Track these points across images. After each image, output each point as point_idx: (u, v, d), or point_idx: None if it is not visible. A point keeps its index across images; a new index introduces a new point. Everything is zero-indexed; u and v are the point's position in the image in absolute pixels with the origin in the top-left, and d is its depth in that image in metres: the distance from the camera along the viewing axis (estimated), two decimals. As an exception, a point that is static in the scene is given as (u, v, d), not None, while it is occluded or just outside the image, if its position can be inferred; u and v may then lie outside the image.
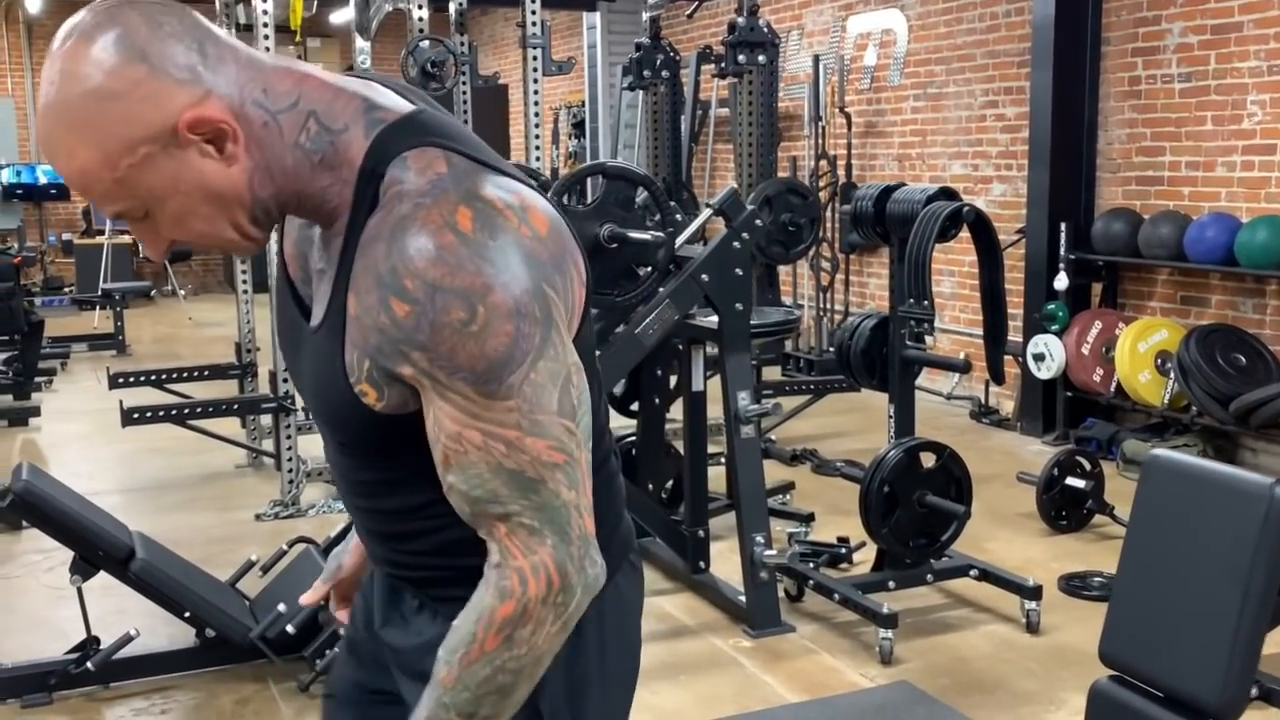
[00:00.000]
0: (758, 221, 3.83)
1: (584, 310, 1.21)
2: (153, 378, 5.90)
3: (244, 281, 5.65)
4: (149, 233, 1.16)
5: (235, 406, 5.54)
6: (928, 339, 3.81)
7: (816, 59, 7.98)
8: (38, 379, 7.48)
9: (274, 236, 1.30)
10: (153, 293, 11.80)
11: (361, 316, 1.12)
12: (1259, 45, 5.48)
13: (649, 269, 3.64)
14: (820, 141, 8.00)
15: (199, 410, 5.25)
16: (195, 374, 6.04)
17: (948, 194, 3.76)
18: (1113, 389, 6.00)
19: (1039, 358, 6.15)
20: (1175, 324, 5.88)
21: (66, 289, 12.12)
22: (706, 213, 3.84)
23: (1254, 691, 2.55)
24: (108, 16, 1.08)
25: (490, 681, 1.15)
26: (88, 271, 11.51)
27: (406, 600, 1.38)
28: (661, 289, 3.73)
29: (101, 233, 11.91)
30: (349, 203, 1.15)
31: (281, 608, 3.45)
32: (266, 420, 5.96)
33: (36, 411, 6.93)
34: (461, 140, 1.17)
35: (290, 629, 3.44)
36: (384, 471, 1.27)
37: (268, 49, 5.03)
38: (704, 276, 3.74)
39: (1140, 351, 5.83)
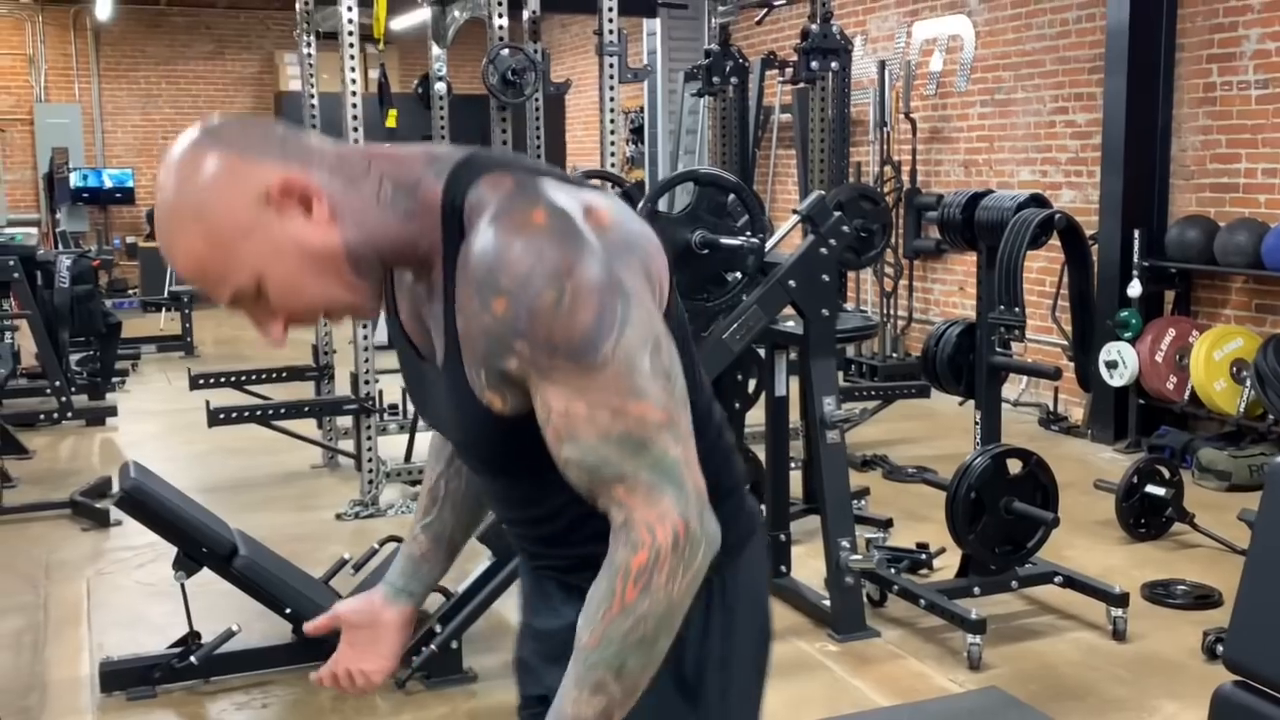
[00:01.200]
0: (845, 228, 3.85)
1: (670, 291, 1.31)
2: (232, 379, 6.01)
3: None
4: (264, 311, 1.27)
5: (317, 408, 5.63)
6: (1014, 345, 3.81)
7: (882, 64, 7.99)
8: (112, 380, 7.63)
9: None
10: (215, 295, 11.98)
11: (469, 328, 1.23)
12: (1341, 51, 5.44)
13: (738, 274, 3.68)
14: (885, 147, 8.00)
15: (282, 411, 5.35)
16: (273, 376, 6.14)
17: (1038, 201, 3.77)
18: (1186, 397, 5.97)
19: (1111, 365, 6.12)
20: (1251, 332, 5.84)
21: (130, 291, 12.33)
22: (795, 219, 3.87)
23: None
24: (202, 131, 1.24)
25: (633, 633, 1.20)
26: (151, 274, 11.71)
27: (553, 589, 1.48)
28: (747, 295, 3.77)
29: (166, 236, 12.10)
30: (440, 241, 1.26)
31: (378, 606, 3.51)
32: (342, 421, 6.05)
33: (114, 411, 7.07)
34: (519, 164, 1.29)
35: (387, 627, 3.51)
36: (528, 486, 1.36)
37: (352, 55, 5.12)
38: (791, 282, 3.77)
39: (1216, 359, 5.80)
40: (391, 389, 6.26)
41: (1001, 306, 3.69)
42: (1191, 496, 4.90)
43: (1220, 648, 3.61)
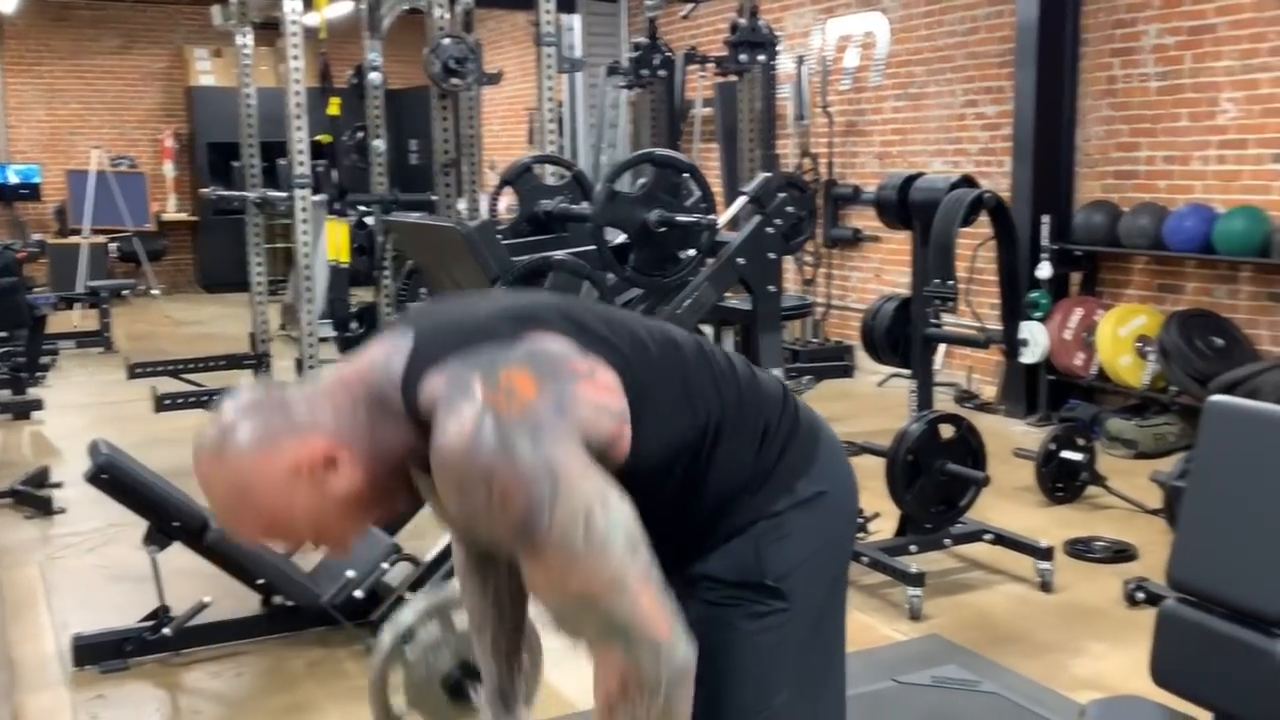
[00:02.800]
0: (789, 208, 4.05)
1: (644, 367, 1.54)
2: (171, 368, 6.01)
3: (259, 276, 5.80)
4: (329, 544, 1.51)
5: (263, 393, 5.66)
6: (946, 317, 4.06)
7: (799, 60, 8.25)
8: (35, 374, 7.53)
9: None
10: (125, 292, 11.80)
11: (454, 519, 1.47)
12: (1233, 45, 5.82)
13: (690, 252, 3.85)
14: (803, 140, 8.26)
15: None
16: (211, 364, 6.16)
17: (968, 182, 4.02)
18: (1093, 372, 6.32)
19: (1023, 343, 6.44)
20: (1153, 309, 6.21)
21: (38, 288, 12.07)
22: (743, 199, 4.06)
23: None
24: (221, 432, 1.43)
25: None
26: (61, 271, 11.49)
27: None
28: (697, 275, 3.94)
29: (77, 232, 11.89)
30: (419, 446, 1.44)
31: (350, 574, 3.63)
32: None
33: (40, 405, 6.99)
34: (455, 337, 1.47)
35: (359, 594, 3.62)
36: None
37: (295, 45, 5.19)
38: (740, 260, 3.96)
39: (1121, 336, 6.15)
40: (331, 376, 6.33)
41: (936, 280, 3.92)
42: (1101, 464, 5.22)
43: (1140, 594, 3.92)
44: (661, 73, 6.98)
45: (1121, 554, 4.39)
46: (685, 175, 3.79)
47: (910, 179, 4.15)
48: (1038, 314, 6.43)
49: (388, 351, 1.48)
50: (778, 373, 4.07)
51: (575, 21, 10.59)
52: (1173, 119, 6.16)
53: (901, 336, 4.23)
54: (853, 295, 8.38)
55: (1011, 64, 6.79)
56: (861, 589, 4.09)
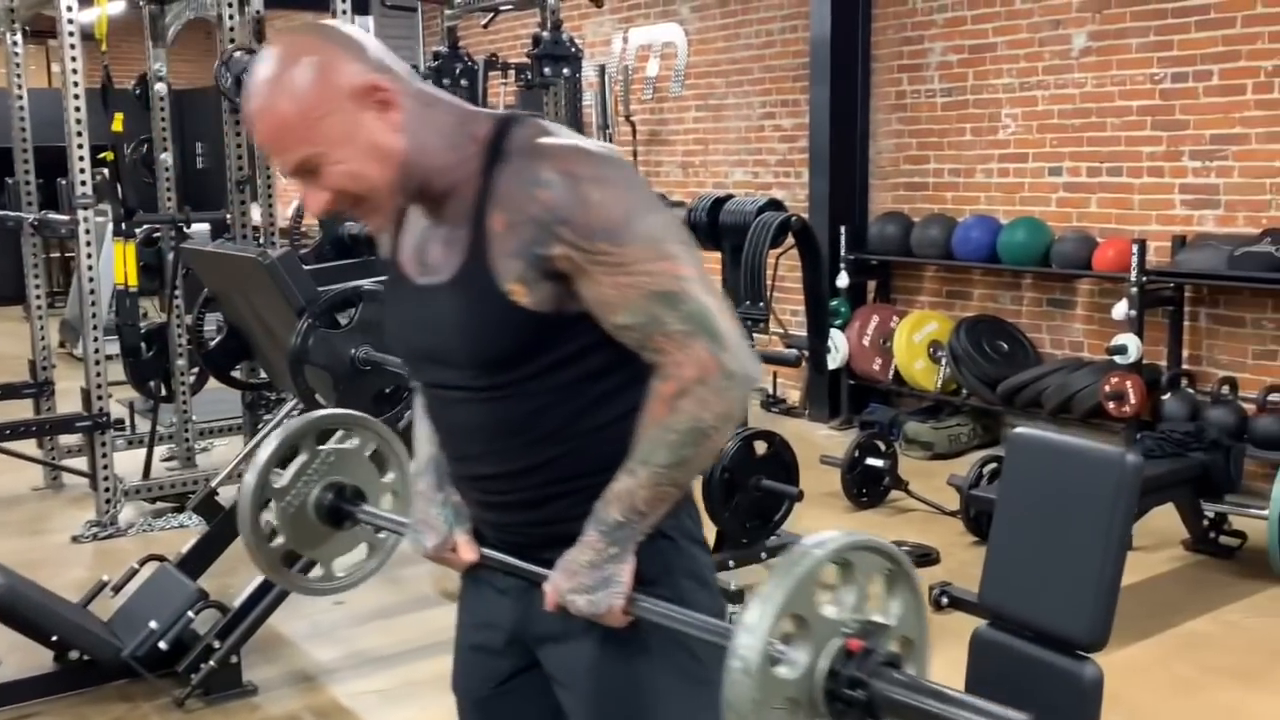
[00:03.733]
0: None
1: None
2: (-60, 399, 5.58)
3: (38, 302, 5.45)
4: (318, 183, 1.47)
5: (47, 426, 5.32)
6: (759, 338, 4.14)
7: (602, 69, 8.28)
8: None
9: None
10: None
11: (511, 220, 1.45)
12: (1011, 64, 6.14)
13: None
14: (607, 148, 8.29)
15: (7, 431, 5.03)
16: (-17, 394, 5.74)
17: (775, 205, 4.10)
18: (890, 376, 6.58)
19: (825, 350, 6.65)
20: (944, 316, 6.50)
21: None
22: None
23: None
24: (315, 26, 1.50)
25: (661, 438, 1.46)
26: None
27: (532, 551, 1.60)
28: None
29: None
30: (477, 169, 1.49)
31: (153, 624, 3.44)
32: (65, 440, 5.74)
33: None
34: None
35: (163, 645, 3.44)
36: (526, 396, 1.52)
37: (74, 56, 4.87)
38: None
39: (915, 341, 6.42)
40: (116, 405, 5.99)
41: (747, 301, 3.99)
42: (901, 467, 5.43)
43: (944, 599, 4.09)
44: (464, 82, 6.86)
45: (924, 558, 4.57)
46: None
47: (720, 201, 4.21)
48: (838, 321, 6.65)
49: (488, 109, 1.59)
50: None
51: (369, 24, 10.36)
52: (958, 133, 6.46)
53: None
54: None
55: (806, 78, 6.99)
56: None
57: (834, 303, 6.68)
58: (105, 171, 5.24)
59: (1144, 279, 5.30)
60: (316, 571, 2.01)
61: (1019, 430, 2.36)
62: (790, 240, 4.11)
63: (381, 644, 3.94)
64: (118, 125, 5.19)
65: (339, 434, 1.96)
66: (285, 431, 1.92)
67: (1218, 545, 4.52)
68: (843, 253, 6.67)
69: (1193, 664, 3.62)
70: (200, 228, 7.38)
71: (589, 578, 1.49)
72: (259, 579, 3.62)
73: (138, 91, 6.14)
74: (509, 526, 1.62)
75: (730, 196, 4.25)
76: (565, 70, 6.00)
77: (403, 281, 1.61)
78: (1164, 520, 4.51)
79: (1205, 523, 4.51)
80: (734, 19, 7.71)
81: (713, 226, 4.18)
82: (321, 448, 1.92)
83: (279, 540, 1.93)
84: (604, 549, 1.48)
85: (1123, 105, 5.69)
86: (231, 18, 5.12)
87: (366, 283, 3.57)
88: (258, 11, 5.78)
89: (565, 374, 1.51)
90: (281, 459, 1.93)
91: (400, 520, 1.82)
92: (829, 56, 6.66)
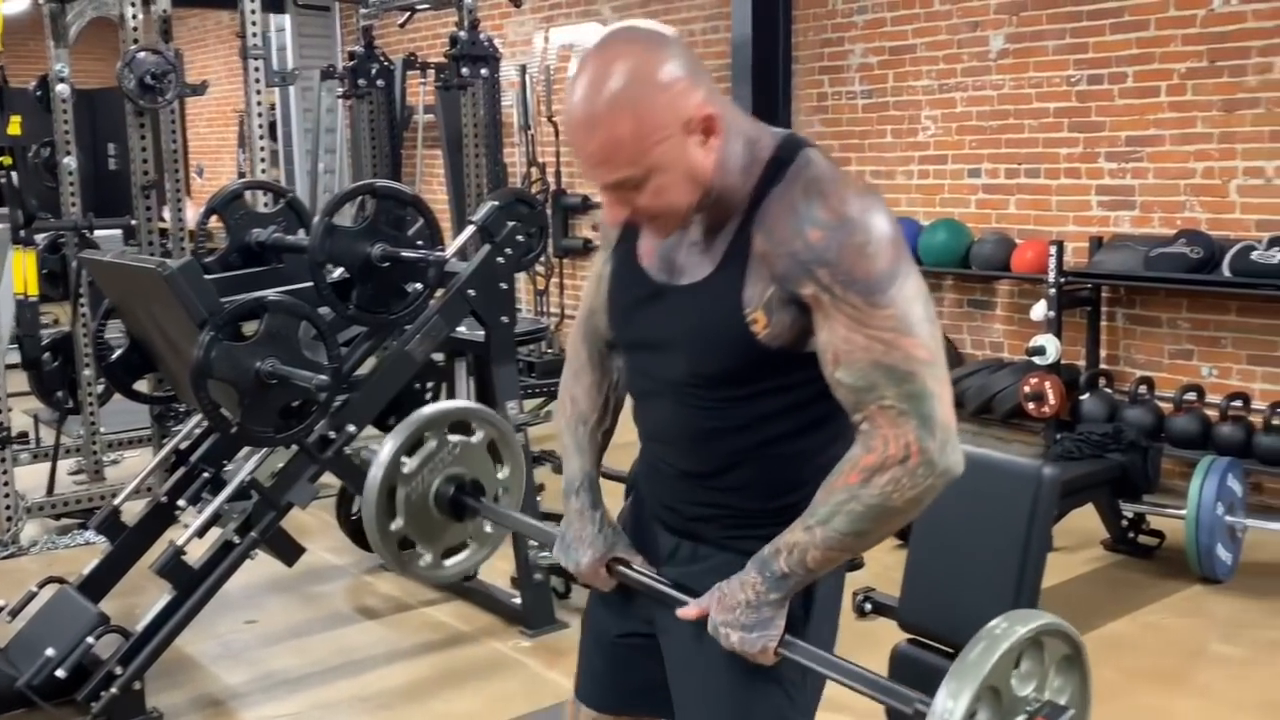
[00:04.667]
0: (519, 237, 3.98)
1: None
2: None
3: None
4: (624, 202, 1.49)
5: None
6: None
7: (523, 69, 8.18)
8: None
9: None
10: None
11: (772, 249, 1.47)
12: (930, 66, 6.16)
13: (418, 286, 3.71)
14: (530, 149, 8.20)
15: (-102, 449, 4.80)
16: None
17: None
18: (815, 378, 6.56)
19: (750, 353, 6.62)
20: (867, 317, 6.49)
21: None
22: (470, 229, 3.94)
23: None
24: (661, 35, 1.47)
25: (845, 506, 1.47)
26: None
27: (694, 546, 1.70)
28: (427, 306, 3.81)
29: None
30: (755, 185, 1.51)
31: (50, 651, 3.29)
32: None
33: None
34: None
35: (61, 673, 3.29)
36: (729, 412, 1.58)
37: (-35, 57, 4.67)
38: (471, 291, 3.85)
39: (839, 343, 6.40)
40: (19, 417, 5.80)
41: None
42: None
43: (868, 605, 4.06)
44: (380, 83, 6.74)
45: (850, 564, 4.54)
46: (409, 207, 3.65)
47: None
48: (762, 323, 6.61)
49: (772, 128, 1.58)
50: (514, 404, 3.98)
51: (286, 22, 10.14)
52: (879, 135, 6.46)
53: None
54: (583, 304, 8.38)
55: (728, 79, 6.94)
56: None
57: (758, 305, 6.65)
58: (3, 176, 5.03)
59: (1062, 280, 5.33)
60: (425, 557, 2.10)
61: (937, 442, 2.32)
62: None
63: (294, 665, 3.82)
64: (15, 128, 4.99)
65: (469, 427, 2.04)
66: (418, 419, 2.00)
67: (1137, 545, 4.56)
68: (766, 254, 6.63)
69: (1114, 667, 3.64)
70: (111, 233, 7.18)
71: (746, 617, 1.54)
72: (165, 599, 3.49)
73: (38, 93, 5.93)
74: (679, 501, 1.70)
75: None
76: (483, 71, 5.92)
77: (638, 271, 1.63)
78: (1084, 521, 4.54)
79: (1124, 523, 4.54)
80: (655, 18, 7.62)
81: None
82: (451, 438, 2.01)
83: (396, 524, 2.02)
84: (765, 593, 1.53)
85: (1040, 107, 5.73)
86: (135, 16, 4.95)
87: (271, 293, 3.44)
88: (165, 10, 5.62)
89: (775, 402, 1.56)
90: (411, 446, 1.99)
91: (535, 524, 1.97)
92: (750, 58, 6.63)
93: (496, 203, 3.98)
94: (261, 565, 3.77)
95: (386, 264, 3.56)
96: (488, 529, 2.14)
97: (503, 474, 2.07)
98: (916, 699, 1.39)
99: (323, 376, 3.24)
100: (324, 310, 3.53)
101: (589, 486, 1.79)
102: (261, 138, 5.38)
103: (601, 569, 1.75)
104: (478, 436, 2.05)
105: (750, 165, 1.51)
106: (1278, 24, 4.91)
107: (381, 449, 2.02)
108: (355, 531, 4.61)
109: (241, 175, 10.99)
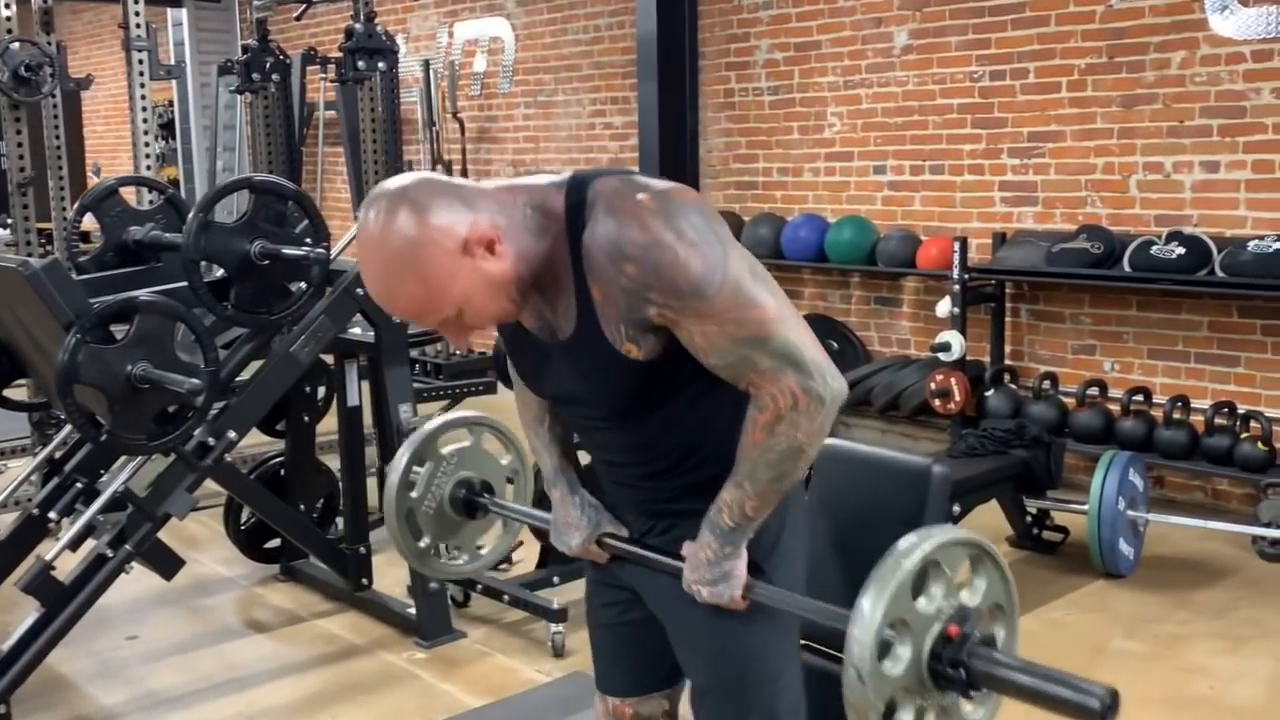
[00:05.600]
0: (409, 234, 3.84)
1: None
2: None
3: None
4: (458, 328, 1.60)
5: None
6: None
7: (427, 64, 8.01)
8: None
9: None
10: None
11: (606, 292, 1.58)
12: (835, 62, 6.13)
13: (302, 286, 3.56)
14: (435, 147, 8.04)
15: None
16: None
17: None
18: (725, 377, 6.49)
19: (658, 352, 6.54)
20: (776, 315, 6.44)
21: None
22: (358, 225, 3.79)
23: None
24: (396, 195, 1.52)
25: (761, 459, 1.63)
26: None
27: (668, 522, 1.85)
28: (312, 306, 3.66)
29: None
30: (564, 245, 1.59)
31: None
32: None
33: None
34: (618, 169, 1.73)
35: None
36: (649, 426, 1.73)
37: None
38: (359, 290, 3.70)
39: (748, 342, 6.35)
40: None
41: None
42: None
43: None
44: (275, 77, 6.53)
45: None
46: (291, 202, 3.49)
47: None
48: (670, 322, 6.54)
49: (546, 176, 1.65)
50: (405, 407, 3.85)
51: (183, 16, 9.86)
52: (785, 132, 6.42)
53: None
54: (492, 304, 8.24)
55: (635, 75, 6.86)
56: (503, 628, 3.95)
57: (666, 303, 6.57)
58: None
59: (965, 276, 5.33)
60: (461, 558, 2.25)
61: (829, 441, 2.25)
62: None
63: (176, 683, 3.64)
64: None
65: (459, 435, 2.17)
66: (410, 448, 2.12)
67: (1041, 541, 4.55)
68: (674, 252, 6.55)
69: (1017, 664, 3.61)
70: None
71: (709, 573, 1.72)
72: (34, 616, 3.31)
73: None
74: (646, 499, 1.86)
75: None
76: (381, 64, 5.73)
77: (528, 338, 1.74)
78: (988, 517, 4.52)
79: (1028, 519, 4.53)
80: (561, 13, 7.54)
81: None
82: (444, 451, 2.13)
83: (425, 540, 2.17)
84: (720, 549, 1.70)
85: (944, 103, 5.73)
86: (8, 6, 4.72)
87: (143, 293, 3.27)
88: (45, 2, 5.39)
89: (682, 398, 1.70)
90: (411, 474, 2.12)
91: (535, 514, 2.12)
92: (655, 53, 6.54)
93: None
94: (146, 578, 3.61)
95: (266, 262, 3.41)
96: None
97: (505, 462, 2.21)
98: (844, 614, 1.51)
99: (196, 380, 3.08)
100: (203, 311, 3.37)
101: (564, 475, 1.94)
102: (146, 133, 5.17)
103: (592, 545, 1.90)
104: (471, 441, 2.17)
105: (548, 225, 1.60)
106: (1174, 19, 4.95)
107: (388, 479, 2.15)
108: (245, 542, 4.44)
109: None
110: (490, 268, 1.55)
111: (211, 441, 3.46)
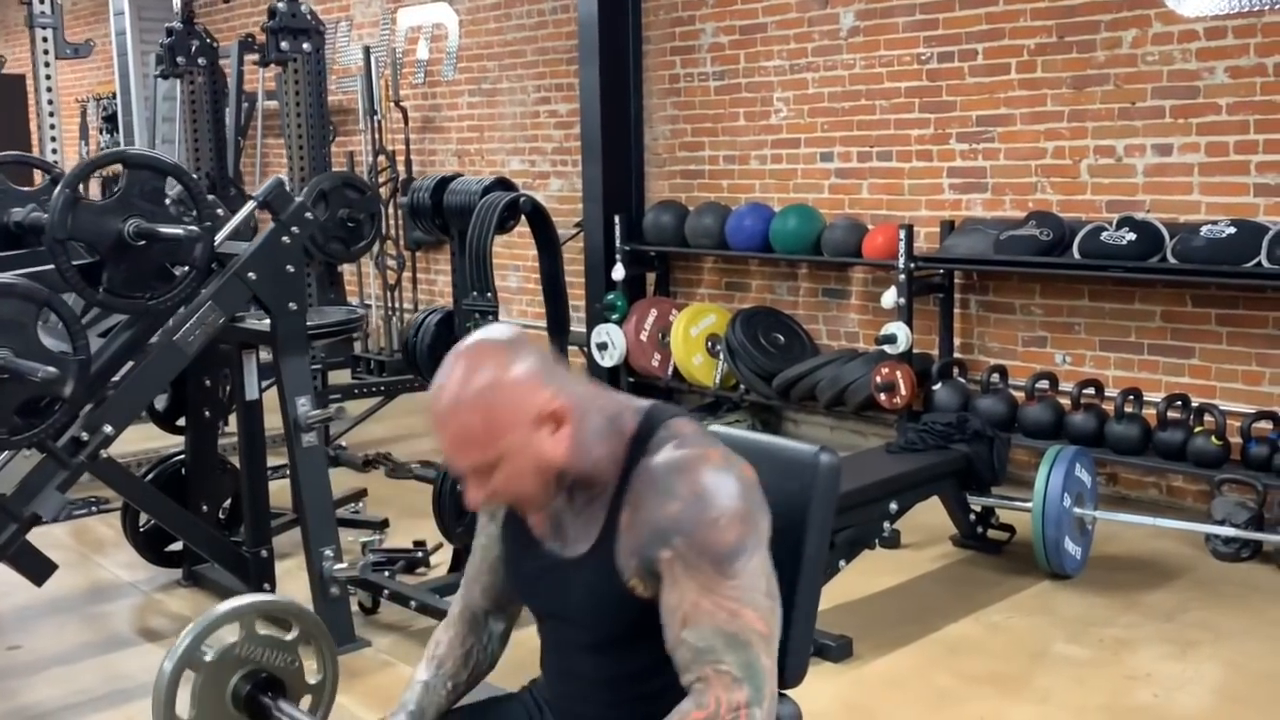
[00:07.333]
0: (308, 214, 3.60)
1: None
2: None
3: None
4: (481, 485, 1.59)
5: None
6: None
7: (367, 51, 7.76)
8: None
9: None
10: None
11: (635, 520, 1.60)
12: (781, 45, 5.92)
13: (187, 268, 3.32)
14: (377, 136, 7.79)
15: None
16: None
17: (504, 184, 3.72)
18: (670, 372, 6.28)
19: (602, 346, 6.31)
20: (722, 308, 6.24)
21: None
22: (251, 205, 3.56)
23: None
24: (506, 341, 1.58)
25: None
26: None
27: None
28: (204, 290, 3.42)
29: None
30: (623, 458, 1.63)
31: None
32: None
33: None
34: (692, 418, 1.72)
35: None
36: (631, 661, 1.70)
37: None
38: (251, 274, 3.46)
39: (692, 336, 6.14)
40: None
41: (475, 292, 3.60)
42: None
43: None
44: (201, 60, 6.28)
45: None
46: (169, 180, 3.25)
47: (445, 180, 3.80)
48: (615, 316, 6.32)
49: (628, 397, 1.72)
50: (304, 400, 3.61)
51: (125, 3, 9.58)
52: (731, 118, 6.21)
53: (446, 353, 3.86)
54: (441, 299, 8.00)
55: (579, 61, 6.63)
56: (412, 636, 3.73)
57: (610, 296, 6.36)
58: None
59: (912, 265, 5.13)
60: None
61: (712, 429, 2.02)
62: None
63: (53, 695, 3.39)
64: None
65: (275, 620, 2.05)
66: (230, 607, 2.03)
67: (986, 540, 4.34)
68: (618, 243, 6.34)
69: (952, 672, 3.40)
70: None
71: None
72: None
73: None
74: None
75: (457, 175, 3.84)
76: (305, 45, 5.50)
77: (533, 543, 1.73)
78: (934, 515, 4.32)
79: (973, 517, 4.32)
80: (502, -1, 7.31)
81: (437, 209, 3.77)
82: (260, 630, 2.02)
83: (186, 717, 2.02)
84: None
85: (891, 87, 5.52)
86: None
87: (5, 276, 3.03)
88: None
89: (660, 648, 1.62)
90: (214, 632, 2.01)
91: None
92: (597, 37, 6.32)
93: (281, 177, 3.60)
94: (49, 583, 3.37)
95: (142, 242, 3.16)
96: None
97: (312, 677, 2.08)
98: None
99: (52, 369, 2.84)
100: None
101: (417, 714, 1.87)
102: (51, 115, 4.92)
103: None
104: (292, 634, 2.06)
105: (613, 439, 1.63)
106: (1125, -3, 4.76)
107: (184, 631, 2.03)
108: (145, 545, 4.20)
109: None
110: (547, 445, 1.58)
111: (85, 437, 3.21)
